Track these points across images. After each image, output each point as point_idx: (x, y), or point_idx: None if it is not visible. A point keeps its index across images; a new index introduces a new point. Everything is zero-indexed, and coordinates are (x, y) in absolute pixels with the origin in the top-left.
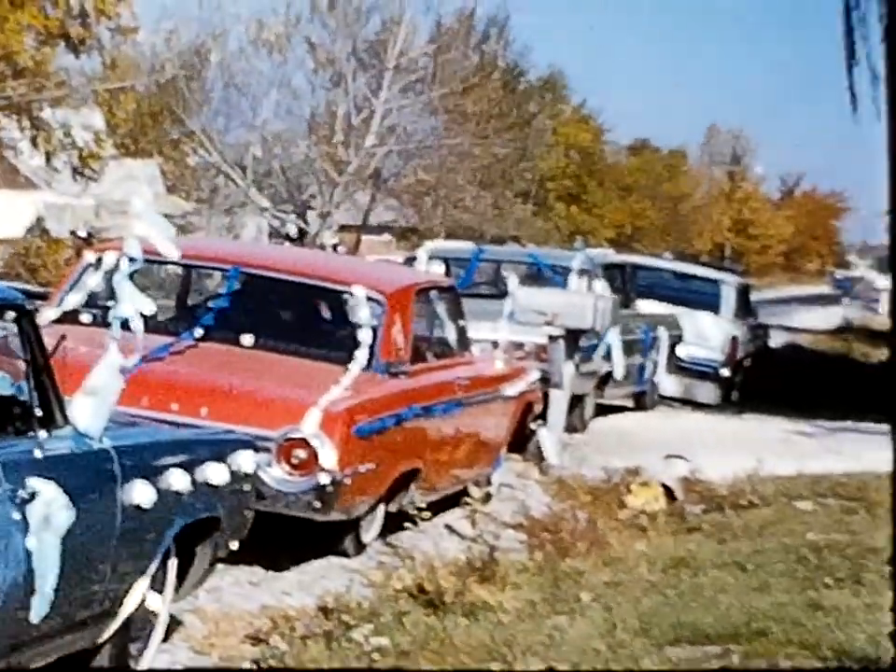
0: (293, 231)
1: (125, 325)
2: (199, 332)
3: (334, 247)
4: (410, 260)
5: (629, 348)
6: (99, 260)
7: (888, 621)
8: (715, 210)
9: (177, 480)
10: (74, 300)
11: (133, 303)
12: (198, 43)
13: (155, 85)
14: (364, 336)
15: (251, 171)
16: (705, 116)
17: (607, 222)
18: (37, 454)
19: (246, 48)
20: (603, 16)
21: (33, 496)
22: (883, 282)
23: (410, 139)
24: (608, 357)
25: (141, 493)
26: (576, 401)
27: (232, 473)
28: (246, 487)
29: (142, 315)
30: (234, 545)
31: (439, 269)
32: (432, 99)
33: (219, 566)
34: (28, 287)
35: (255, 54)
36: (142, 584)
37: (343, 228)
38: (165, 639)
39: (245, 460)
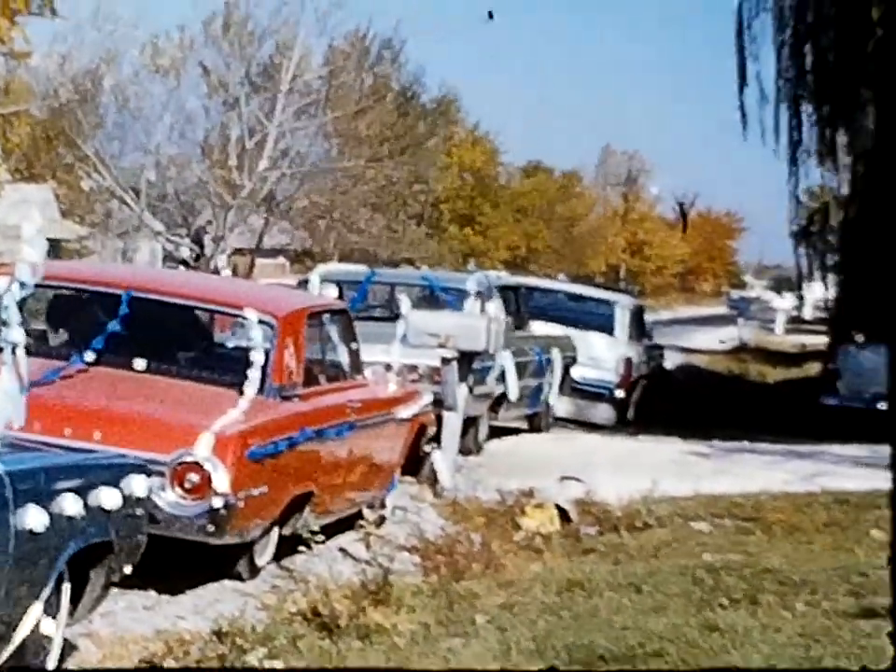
0: (187, 255)
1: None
2: (91, 357)
3: (216, 271)
4: (303, 284)
5: (523, 370)
6: None
7: (784, 641)
8: (610, 231)
9: (70, 504)
10: None
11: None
12: (92, 67)
13: (49, 109)
14: (256, 359)
15: (145, 195)
16: (599, 137)
17: (501, 244)
18: None
19: (140, 71)
20: (496, 38)
21: None
22: (778, 302)
23: (303, 162)
24: (501, 378)
25: (34, 518)
26: (470, 424)
27: (125, 498)
28: (140, 511)
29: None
30: (128, 569)
31: (332, 292)
32: (325, 122)
33: (113, 590)
34: None
35: (149, 78)
36: (35, 609)
37: (236, 251)
38: (59, 664)
39: (137, 484)
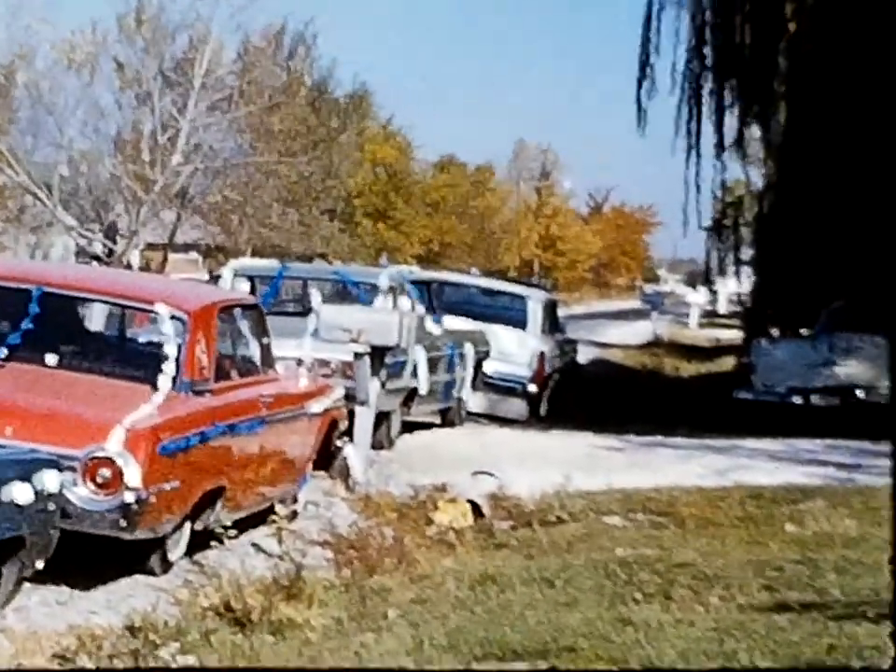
0: (100, 251)
1: None
2: (2, 352)
3: (128, 266)
4: (215, 279)
5: (435, 365)
6: None
7: (698, 636)
8: (523, 226)
9: None
10: None
11: None
12: (5, 63)
13: None
14: (168, 354)
15: (58, 190)
16: (513, 131)
17: (414, 239)
18: None
19: (54, 67)
20: (410, 32)
21: None
22: (692, 296)
23: (216, 157)
24: (414, 373)
25: None
26: (382, 418)
27: (37, 493)
28: (52, 506)
29: None
30: (40, 564)
31: (244, 287)
32: (238, 117)
33: (26, 584)
34: None
35: (62, 73)
36: None
37: (149, 246)
38: None
39: (49, 479)
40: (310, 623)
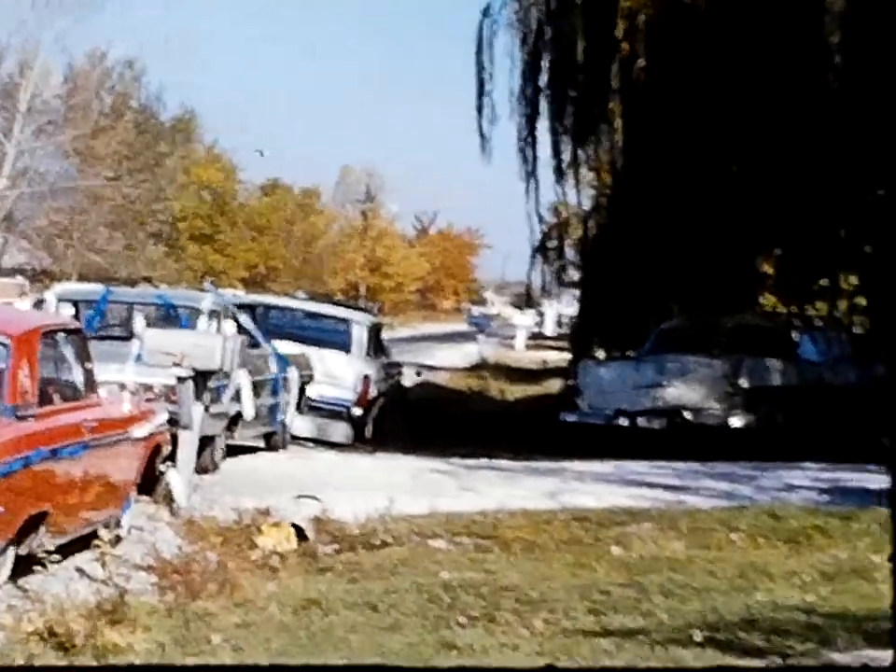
0: None
1: None
2: None
3: None
4: (39, 303)
5: (259, 388)
6: None
7: (522, 659)
8: (349, 248)
9: None
10: None
11: None
12: None
13: None
14: None
15: None
16: (339, 155)
17: (239, 262)
18: None
19: None
20: (237, 57)
21: None
22: (519, 318)
23: (42, 181)
24: (237, 397)
25: None
26: (206, 442)
27: None
28: None
29: None
30: None
31: (68, 311)
32: (64, 141)
33: None
34: None
35: None
36: None
37: None
38: None
39: None
40: (133, 647)
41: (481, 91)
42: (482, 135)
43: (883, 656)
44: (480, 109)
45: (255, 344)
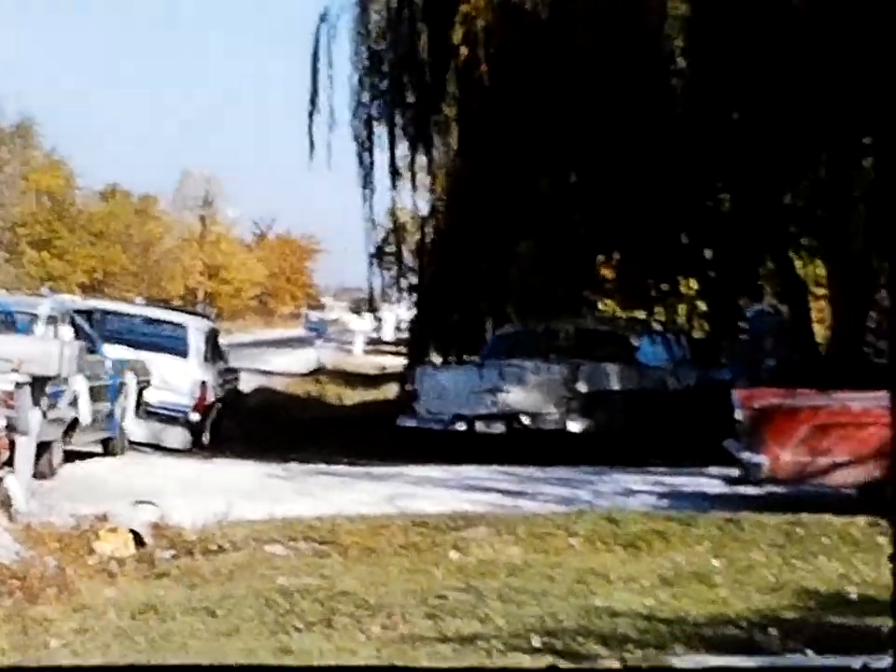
0: None
1: None
2: None
3: None
4: None
5: (97, 394)
6: None
7: (359, 664)
8: (187, 254)
9: None
10: None
11: None
12: None
13: None
14: None
15: None
16: (179, 161)
17: (78, 267)
18: None
19: None
20: (77, 61)
21: None
22: (357, 323)
23: None
24: (75, 403)
25: None
26: (43, 448)
27: None
28: None
29: None
30: None
31: None
32: None
33: None
34: None
35: None
36: None
37: None
38: None
39: None
40: None
41: (314, 97)
42: (311, 141)
43: (720, 661)
44: (311, 114)
45: (92, 350)
